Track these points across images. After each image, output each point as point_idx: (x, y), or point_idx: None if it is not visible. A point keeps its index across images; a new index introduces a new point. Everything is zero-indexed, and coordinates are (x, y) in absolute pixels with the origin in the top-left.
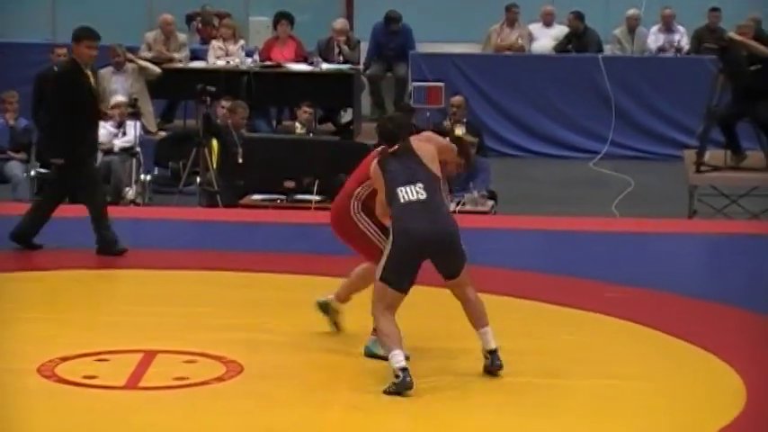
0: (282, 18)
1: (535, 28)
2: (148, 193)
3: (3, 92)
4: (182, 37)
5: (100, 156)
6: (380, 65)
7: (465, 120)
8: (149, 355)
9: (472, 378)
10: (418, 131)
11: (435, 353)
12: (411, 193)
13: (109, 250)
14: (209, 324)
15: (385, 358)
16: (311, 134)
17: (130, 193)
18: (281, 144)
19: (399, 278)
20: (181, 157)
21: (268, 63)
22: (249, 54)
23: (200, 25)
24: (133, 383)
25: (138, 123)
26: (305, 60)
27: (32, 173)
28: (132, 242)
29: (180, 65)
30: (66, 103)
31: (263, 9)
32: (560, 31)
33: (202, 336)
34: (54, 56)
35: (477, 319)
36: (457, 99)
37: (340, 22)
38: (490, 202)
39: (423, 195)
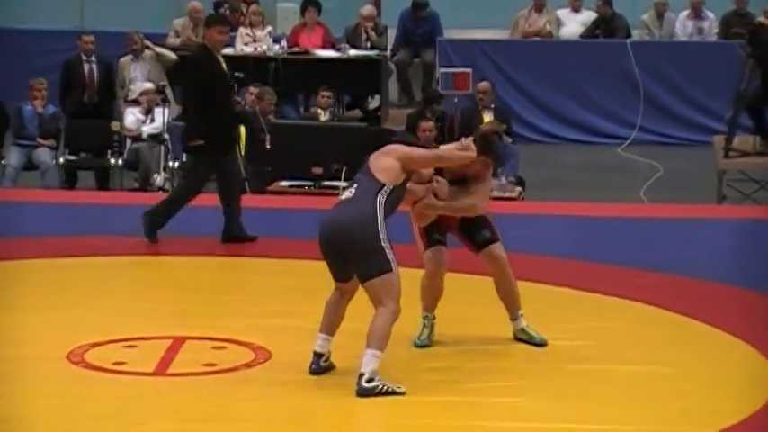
0: (310, 5)
1: (563, 13)
2: (177, 180)
3: (31, 79)
4: None
5: (128, 143)
6: (408, 51)
7: (492, 106)
8: (178, 342)
9: (502, 363)
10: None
11: (465, 339)
12: (344, 194)
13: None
14: (237, 310)
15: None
16: (338, 120)
17: (159, 179)
18: (308, 130)
19: (330, 270)
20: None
21: (295, 50)
22: (277, 41)
23: (227, 12)
24: (162, 369)
25: (167, 110)
26: (332, 47)
27: (61, 160)
28: (160, 229)
29: None
30: (199, 87)
31: None
32: (588, 16)
33: (231, 322)
34: (81, 43)
35: (368, 338)
36: (483, 85)
37: (367, 9)
38: (518, 189)
39: (350, 194)
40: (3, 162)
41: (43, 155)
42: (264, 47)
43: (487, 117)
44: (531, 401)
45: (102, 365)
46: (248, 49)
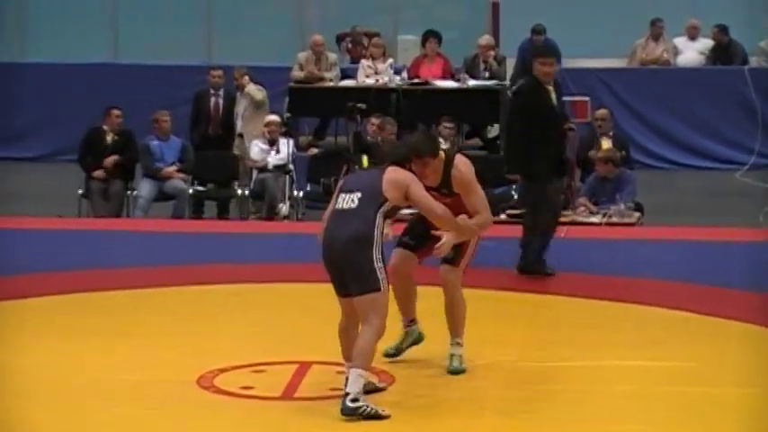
0: (430, 36)
1: (680, 41)
2: (301, 209)
3: (154, 112)
4: (332, 57)
5: (255, 173)
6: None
7: (610, 133)
8: (304, 366)
9: (625, 387)
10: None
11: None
12: (346, 201)
13: (529, 268)
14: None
15: None
16: (458, 149)
17: (284, 209)
18: None
19: (333, 284)
20: (332, 173)
21: (416, 80)
22: (398, 72)
23: (350, 45)
24: (289, 394)
25: (291, 141)
26: (452, 77)
27: (190, 191)
28: (287, 257)
29: (331, 84)
30: (526, 119)
31: (412, 28)
32: (705, 44)
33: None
34: (210, 77)
35: (353, 357)
36: (602, 112)
37: (485, 38)
38: (636, 214)
39: (353, 204)
40: (135, 193)
41: (178, 185)
42: (386, 78)
43: (606, 144)
44: (649, 426)
45: (231, 390)
46: (370, 81)
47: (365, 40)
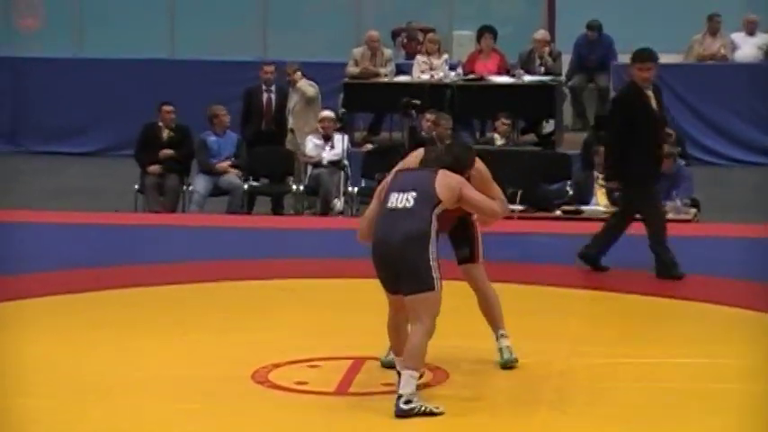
0: (486, 31)
1: (738, 37)
2: (356, 205)
3: (210, 106)
4: (387, 52)
5: (309, 169)
6: (582, 76)
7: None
8: (358, 362)
9: (681, 385)
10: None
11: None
12: (399, 200)
13: (667, 273)
14: None
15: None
16: (513, 145)
17: (338, 204)
18: (483, 154)
19: (381, 281)
20: (387, 168)
21: (471, 76)
22: (453, 67)
23: (405, 41)
24: (343, 389)
25: (346, 137)
26: (507, 73)
27: (245, 186)
28: (341, 252)
29: (386, 79)
30: (625, 124)
31: (467, 23)
32: (763, 39)
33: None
34: (262, 73)
35: (405, 358)
36: None
37: (541, 33)
38: (693, 210)
39: (409, 204)
40: (190, 188)
41: (233, 180)
42: (441, 74)
43: None
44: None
45: (286, 385)
46: (425, 77)
47: (420, 36)
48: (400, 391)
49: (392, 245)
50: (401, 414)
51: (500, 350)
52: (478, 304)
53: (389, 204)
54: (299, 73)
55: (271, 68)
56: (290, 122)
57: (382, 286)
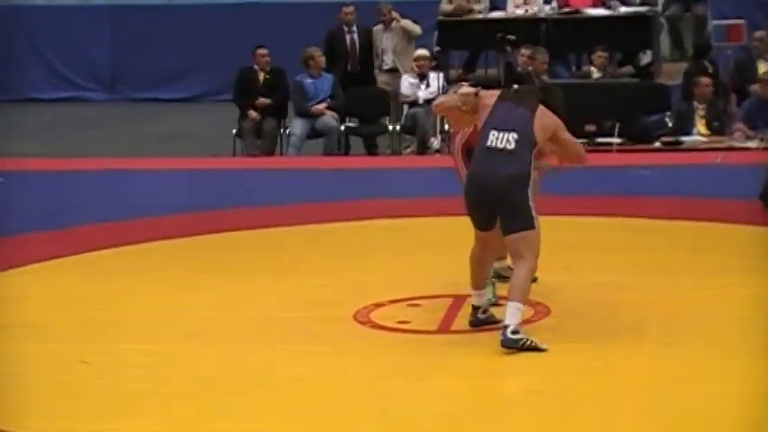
0: None
1: None
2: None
3: (304, 48)
4: None
5: (405, 108)
6: (679, 5)
7: None
8: (459, 300)
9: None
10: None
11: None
12: (500, 140)
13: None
14: None
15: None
16: (610, 77)
17: (435, 143)
18: (581, 88)
19: (473, 218)
20: None
21: (566, 9)
22: (547, 1)
23: None
24: (445, 327)
25: (441, 75)
26: (602, 5)
27: (342, 127)
28: (439, 191)
29: (480, 16)
30: None
31: None
32: None
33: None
34: (342, 14)
35: (510, 291)
36: (760, 33)
37: None
38: None
39: (510, 145)
40: (287, 131)
41: (329, 122)
42: (535, 8)
43: (763, 67)
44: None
45: (388, 325)
46: (519, 12)
47: None
48: (506, 322)
49: (494, 184)
50: (508, 344)
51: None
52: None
53: (489, 143)
54: (396, 13)
55: (350, 9)
56: (390, 62)
57: (473, 222)
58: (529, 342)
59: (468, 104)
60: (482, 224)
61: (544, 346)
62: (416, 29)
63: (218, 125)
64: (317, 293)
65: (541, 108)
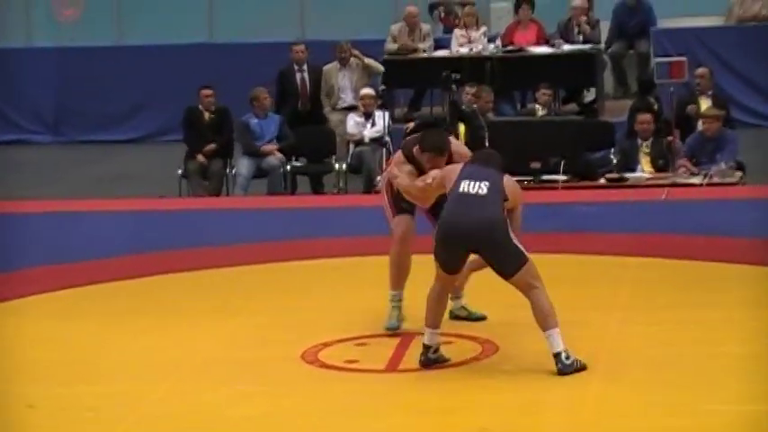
0: (523, 2)
1: None
2: None
3: (252, 89)
4: (425, 27)
5: (351, 147)
6: (622, 43)
7: (710, 92)
8: (407, 339)
9: (735, 348)
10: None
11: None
12: (472, 187)
13: None
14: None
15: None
16: (554, 115)
17: (381, 182)
18: (526, 126)
19: (442, 260)
20: None
21: (510, 48)
22: (491, 40)
23: (442, 15)
24: (393, 366)
25: (387, 113)
26: (546, 43)
27: (288, 167)
28: (385, 229)
29: (425, 54)
30: None
31: None
32: None
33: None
34: (293, 53)
35: (540, 323)
36: (702, 71)
37: (579, 1)
38: (738, 173)
39: (483, 192)
40: (234, 171)
41: (274, 162)
42: (480, 47)
43: (705, 104)
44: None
45: (336, 364)
46: (464, 50)
47: (459, 10)
48: (557, 350)
49: (469, 228)
50: (568, 371)
51: (462, 307)
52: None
53: (461, 189)
54: (356, 51)
55: (301, 48)
56: (346, 100)
57: (441, 264)
58: (579, 363)
59: (435, 181)
60: (451, 266)
61: (583, 362)
62: (379, 67)
63: (164, 166)
64: (264, 333)
65: (506, 176)
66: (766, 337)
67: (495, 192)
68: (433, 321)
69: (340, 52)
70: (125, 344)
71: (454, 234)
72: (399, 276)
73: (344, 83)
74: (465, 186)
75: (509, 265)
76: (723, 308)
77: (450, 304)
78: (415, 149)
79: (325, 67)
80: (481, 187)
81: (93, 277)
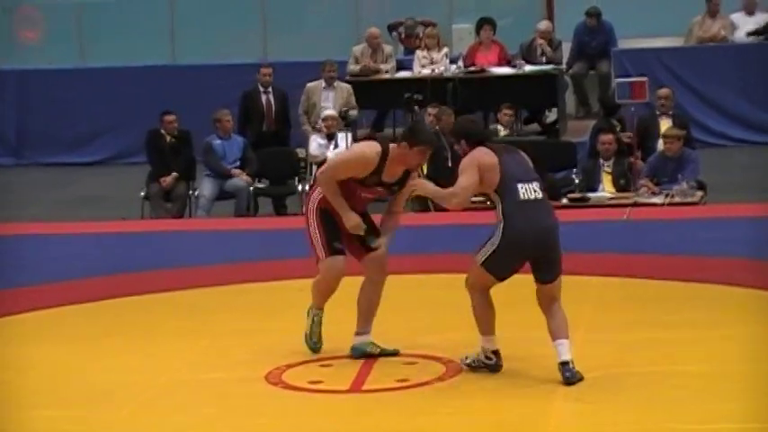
0: (485, 23)
1: (737, 17)
2: None
3: (215, 111)
4: (388, 49)
5: (314, 168)
6: (583, 63)
7: (671, 112)
8: (371, 359)
9: (699, 367)
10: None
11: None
12: (529, 191)
13: None
14: (426, 326)
15: (383, 355)
16: (517, 135)
17: None
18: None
19: (502, 270)
20: None
21: (472, 68)
22: (453, 61)
23: (402, 35)
24: (357, 387)
25: (350, 135)
26: (508, 63)
27: (251, 189)
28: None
29: (387, 76)
30: None
31: (466, 16)
32: (763, 18)
33: (420, 338)
34: (260, 75)
35: (555, 331)
36: (664, 91)
37: (543, 24)
38: (699, 193)
39: (539, 195)
40: (197, 193)
41: (238, 183)
42: (442, 68)
43: (666, 124)
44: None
45: (300, 385)
46: (426, 71)
47: (420, 30)
48: (567, 357)
49: (545, 235)
50: (579, 378)
51: (371, 343)
52: (364, 294)
53: (521, 196)
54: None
55: (268, 71)
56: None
57: (500, 273)
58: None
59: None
60: (507, 275)
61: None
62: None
63: (126, 188)
64: (228, 355)
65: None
66: (729, 356)
67: (542, 189)
68: (490, 328)
69: (328, 71)
70: (88, 367)
71: (530, 243)
72: (321, 300)
73: (327, 103)
74: (524, 192)
75: (556, 269)
76: (685, 327)
77: (354, 340)
78: (397, 147)
79: (309, 85)
80: (536, 190)
81: (56, 300)
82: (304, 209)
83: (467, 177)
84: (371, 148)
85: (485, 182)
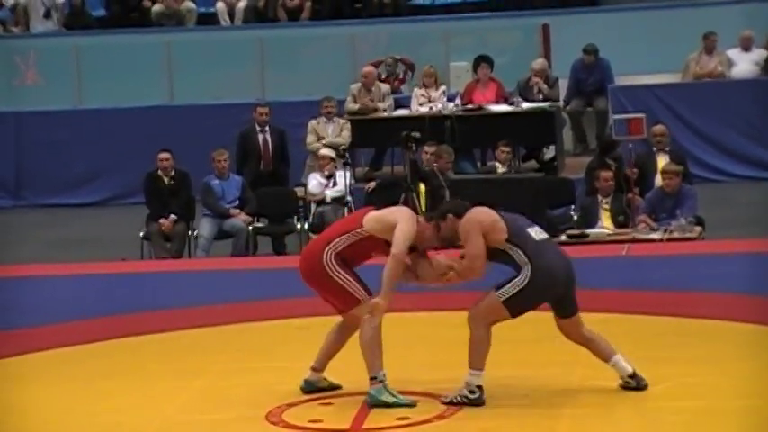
0: (482, 61)
1: (733, 53)
2: None
3: (211, 151)
4: (384, 87)
5: (313, 207)
6: (580, 100)
7: (668, 149)
8: None
9: (694, 403)
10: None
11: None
12: (538, 233)
13: None
14: (426, 363)
15: (391, 405)
16: (515, 172)
17: None
18: (487, 184)
19: (523, 308)
20: (390, 203)
21: (469, 106)
22: (451, 99)
23: (384, 76)
24: (357, 426)
25: (348, 173)
26: (505, 101)
27: (250, 228)
28: None
29: (385, 114)
30: None
31: (463, 54)
32: (759, 54)
33: (420, 376)
34: (257, 115)
35: (604, 352)
36: (659, 128)
37: (539, 62)
38: (698, 229)
39: (545, 236)
40: (196, 233)
41: (237, 223)
42: (439, 106)
43: (663, 160)
44: None
45: (300, 424)
46: (423, 110)
47: (401, 71)
48: (631, 369)
49: (571, 268)
50: (643, 384)
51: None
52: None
53: (536, 237)
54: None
55: (265, 110)
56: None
57: (522, 310)
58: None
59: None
60: (528, 311)
61: None
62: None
63: (126, 229)
64: (228, 394)
65: None
66: (726, 392)
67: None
68: (482, 363)
69: (326, 107)
70: (87, 408)
71: (563, 278)
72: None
73: (332, 138)
74: (535, 234)
75: (576, 303)
76: (684, 363)
77: (309, 374)
78: (431, 223)
79: (312, 122)
80: (542, 231)
81: (56, 341)
82: (315, 265)
83: (474, 245)
84: (412, 213)
85: (491, 239)
